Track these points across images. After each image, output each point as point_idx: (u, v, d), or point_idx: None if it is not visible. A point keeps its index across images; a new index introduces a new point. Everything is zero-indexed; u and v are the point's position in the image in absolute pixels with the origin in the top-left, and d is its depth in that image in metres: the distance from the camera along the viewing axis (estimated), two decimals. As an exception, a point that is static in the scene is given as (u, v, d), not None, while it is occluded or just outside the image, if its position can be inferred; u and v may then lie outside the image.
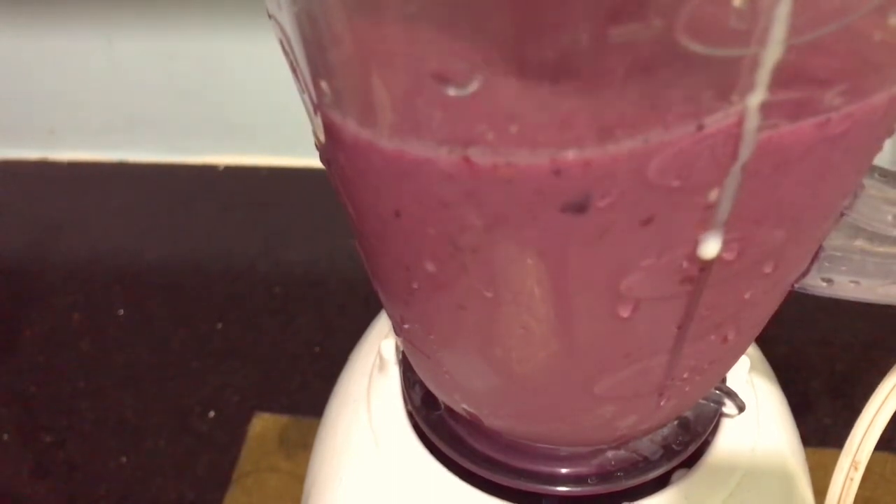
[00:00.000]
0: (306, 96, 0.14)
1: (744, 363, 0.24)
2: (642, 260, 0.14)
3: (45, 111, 0.59)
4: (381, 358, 0.26)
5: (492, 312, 0.16)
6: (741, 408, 0.24)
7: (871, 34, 0.11)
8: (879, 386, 0.20)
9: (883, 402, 0.20)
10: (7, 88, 0.58)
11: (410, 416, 0.24)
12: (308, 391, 0.42)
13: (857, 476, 0.21)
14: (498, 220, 0.13)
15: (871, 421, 0.20)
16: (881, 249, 0.18)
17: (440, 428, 0.23)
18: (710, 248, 0.14)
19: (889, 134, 0.14)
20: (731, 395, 0.24)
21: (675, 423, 0.23)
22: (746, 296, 0.16)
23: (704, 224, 0.13)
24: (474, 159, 0.12)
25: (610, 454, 0.23)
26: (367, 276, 0.19)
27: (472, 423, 0.22)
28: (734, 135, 0.12)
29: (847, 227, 0.17)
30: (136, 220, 0.55)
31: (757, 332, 0.19)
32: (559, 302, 0.15)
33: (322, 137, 0.15)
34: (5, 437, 0.41)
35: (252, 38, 0.52)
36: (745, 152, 0.12)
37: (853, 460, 0.21)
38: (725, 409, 0.24)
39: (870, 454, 0.20)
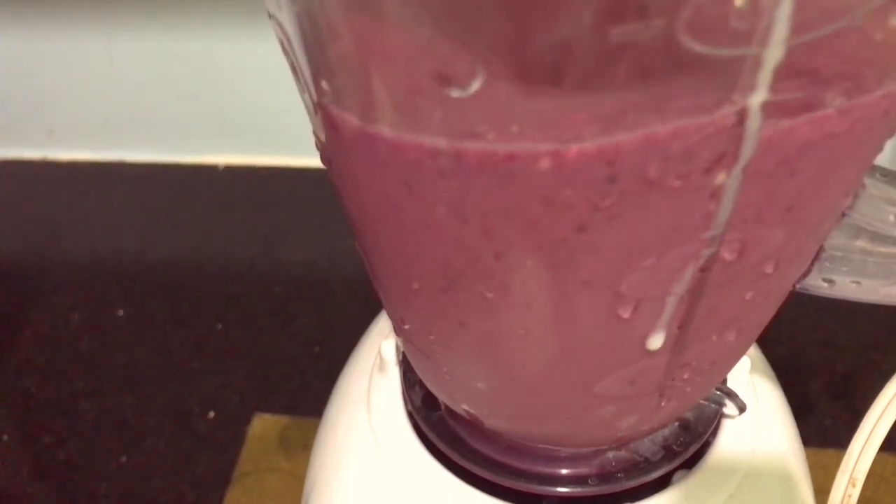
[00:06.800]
0: (307, 96, 0.14)
1: (744, 364, 0.24)
2: (643, 260, 0.14)
3: (45, 111, 0.59)
4: (381, 358, 0.26)
5: (493, 313, 0.16)
6: (742, 408, 0.24)
7: (871, 34, 0.11)
8: (874, 403, 0.20)
9: (878, 419, 0.20)
10: (7, 88, 0.58)
11: (410, 416, 0.24)
12: (308, 391, 0.42)
13: (855, 493, 0.20)
14: (498, 219, 0.13)
15: (868, 437, 0.20)
16: (882, 249, 0.18)
17: (440, 428, 0.23)
18: (655, 342, 0.15)
19: (890, 134, 0.14)
20: (732, 395, 0.24)
21: (676, 423, 0.23)
22: (747, 296, 0.16)
23: (706, 223, 0.13)
24: (475, 158, 0.12)
25: (610, 455, 0.23)
26: (367, 276, 0.19)
27: (473, 424, 0.22)
28: (736, 134, 0.12)
29: (848, 228, 0.17)
30: (136, 220, 0.55)
31: (758, 332, 0.19)
32: (560, 302, 0.15)
33: (322, 137, 0.15)
34: (5, 437, 0.41)
35: (252, 38, 0.52)
36: (747, 152, 0.12)
37: (850, 477, 0.20)
38: (726, 410, 0.24)
39: (867, 471, 0.20)
